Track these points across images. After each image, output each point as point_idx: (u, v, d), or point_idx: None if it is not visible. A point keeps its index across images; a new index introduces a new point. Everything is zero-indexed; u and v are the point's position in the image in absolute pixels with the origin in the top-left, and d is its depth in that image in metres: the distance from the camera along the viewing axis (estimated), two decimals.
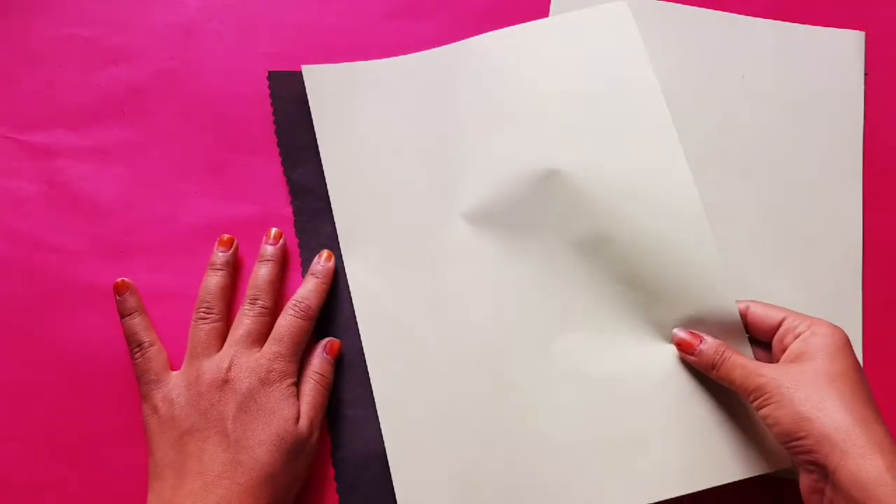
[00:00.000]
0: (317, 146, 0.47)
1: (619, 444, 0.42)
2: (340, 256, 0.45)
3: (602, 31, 0.48)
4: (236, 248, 0.45)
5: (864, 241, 0.48)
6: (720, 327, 0.43)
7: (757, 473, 0.41)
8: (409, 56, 0.49)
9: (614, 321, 0.44)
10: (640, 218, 0.44)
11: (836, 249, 0.48)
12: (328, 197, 0.46)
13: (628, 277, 0.44)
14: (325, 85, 0.48)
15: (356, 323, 0.44)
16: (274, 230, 0.46)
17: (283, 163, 0.47)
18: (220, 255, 0.45)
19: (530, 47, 0.48)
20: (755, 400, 0.37)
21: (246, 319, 0.42)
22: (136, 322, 0.43)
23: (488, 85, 0.48)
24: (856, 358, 0.38)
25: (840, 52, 0.52)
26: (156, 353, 0.42)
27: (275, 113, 0.48)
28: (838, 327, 0.39)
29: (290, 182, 0.47)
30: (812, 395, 0.35)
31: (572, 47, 0.48)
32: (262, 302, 0.43)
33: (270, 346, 0.41)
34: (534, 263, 0.45)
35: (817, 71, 0.51)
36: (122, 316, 0.43)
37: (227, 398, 0.39)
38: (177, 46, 0.49)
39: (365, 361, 0.44)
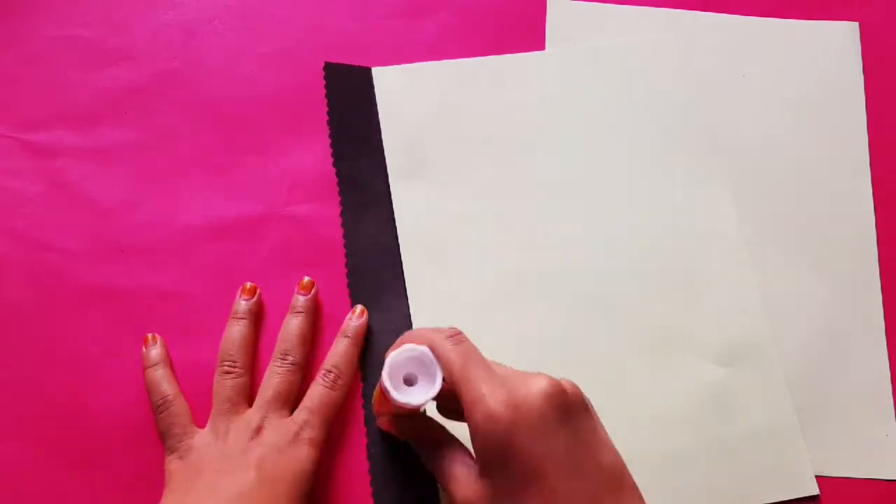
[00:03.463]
0: (368, 139, 0.48)
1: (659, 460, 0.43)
2: (396, 263, 0.46)
3: (651, 62, 0.52)
4: (259, 297, 0.44)
5: (877, 227, 0.49)
6: (758, 359, 0.45)
7: (785, 499, 0.42)
8: (479, 59, 0.50)
9: (656, 343, 0.45)
10: (682, 248, 0.47)
11: (852, 239, 0.49)
12: (375, 191, 0.47)
13: (669, 304, 0.46)
14: (393, 85, 0.49)
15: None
16: (306, 279, 0.45)
17: (334, 154, 0.48)
18: (242, 304, 0.44)
19: (588, 69, 0.51)
20: None
21: (275, 378, 0.41)
22: (160, 374, 0.42)
23: (550, 99, 0.50)
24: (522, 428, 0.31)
25: (836, 44, 0.52)
26: (180, 409, 0.41)
27: (329, 104, 0.49)
28: (485, 415, 0.31)
29: (338, 173, 0.47)
30: None
31: (623, 74, 0.51)
32: (292, 358, 0.42)
33: (301, 414, 0.41)
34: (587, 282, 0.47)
35: (815, 65, 0.52)
36: (146, 367, 0.43)
37: (254, 446, 0.39)
38: (177, 47, 0.49)
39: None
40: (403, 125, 0.49)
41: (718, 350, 0.45)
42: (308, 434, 0.40)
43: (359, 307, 0.45)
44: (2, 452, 0.42)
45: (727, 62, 0.52)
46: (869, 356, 0.47)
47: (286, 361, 0.42)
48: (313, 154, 0.48)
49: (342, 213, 0.47)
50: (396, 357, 0.34)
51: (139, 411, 0.42)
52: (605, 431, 0.33)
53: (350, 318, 0.44)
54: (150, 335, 0.43)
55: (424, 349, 0.34)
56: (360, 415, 0.43)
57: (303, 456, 0.39)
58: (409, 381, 0.34)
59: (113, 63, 0.49)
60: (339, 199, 0.47)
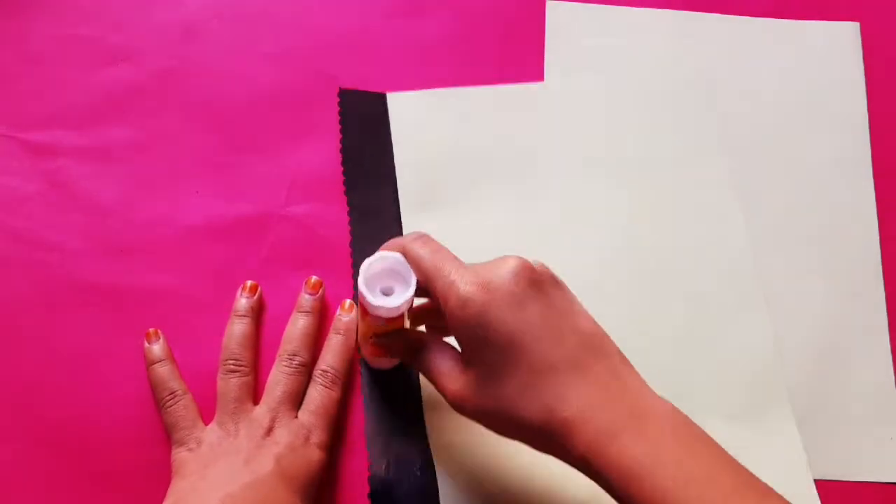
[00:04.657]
0: (381, 170, 0.48)
1: None
2: None
3: (681, 95, 0.51)
4: (260, 294, 0.44)
5: (880, 227, 0.49)
6: (771, 412, 0.44)
7: None
8: (491, 87, 0.50)
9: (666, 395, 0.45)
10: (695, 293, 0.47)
11: (854, 240, 0.49)
12: (385, 221, 0.47)
13: (682, 356, 0.45)
14: (407, 111, 0.49)
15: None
16: (314, 278, 0.44)
17: (345, 182, 0.47)
18: (243, 302, 0.44)
19: (606, 101, 0.51)
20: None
21: (283, 377, 0.41)
22: (166, 370, 0.42)
23: (561, 128, 0.50)
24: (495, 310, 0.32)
25: (837, 44, 0.52)
26: (189, 402, 0.41)
27: (342, 132, 0.48)
28: (458, 300, 0.32)
29: (350, 203, 0.47)
30: (491, 409, 0.33)
31: (637, 98, 0.51)
32: (299, 358, 0.42)
33: (307, 417, 0.41)
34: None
35: (816, 65, 0.52)
36: (151, 363, 0.42)
37: (269, 444, 0.39)
38: (177, 46, 0.49)
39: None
40: (417, 151, 0.48)
41: (731, 404, 0.44)
42: (316, 438, 0.40)
43: (347, 301, 0.44)
44: (2, 452, 0.42)
45: (727, 63, 0.52)
46: (872, 358, 0.47)
47: (294, 362, 0.42)
48: (313, 154, 0.48)
49: (352, 244, 0.46)
50: (370, 266, 0.35)
51: (140, 410, 0.42)
52: (580, 305, 0.34)
53: (340, 314, 0.44)
54: (151, 330, 0.43)
55: (396, 255, 0.36)
56: (359, 415, 0.43)
57: (315, 458, 0.39)
58: (387, 294, 0.36)
59: (113, 63, 0.49)
60: (349, 229, 0.46)
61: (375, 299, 0.35)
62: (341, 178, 0.48)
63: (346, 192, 0.47)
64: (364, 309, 0.36)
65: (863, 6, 0.53)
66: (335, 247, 0.46)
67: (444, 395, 0.35)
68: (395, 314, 0.35)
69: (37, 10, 0.49)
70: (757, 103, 0.51)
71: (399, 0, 0.51)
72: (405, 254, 0.36)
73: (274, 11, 0.51)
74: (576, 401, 0.31)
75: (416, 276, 0.35)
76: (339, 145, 0.48)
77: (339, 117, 0.49)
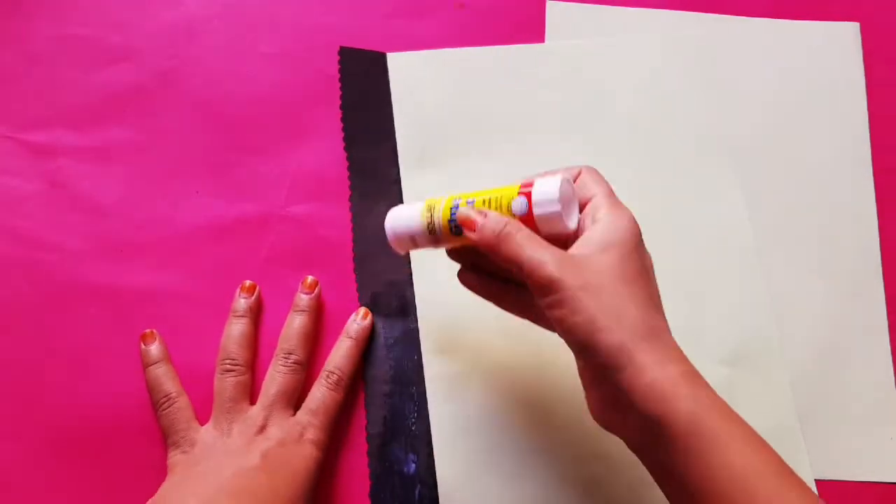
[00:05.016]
0: (380, 127, 0.48)
1: None
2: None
3: (673, 59, 0.51)
4: (258, 294, 0.44)
5: (879, 227, 0.49)
6: (763, 360, 0.45)
7: None
8: (491, 47, 0.51)
9: None
10: (693, 247, 0.47)
11: (854, 240, 0.49)
12: (384, 178, 0.47)
13: (679, 303, 0.45)
14: (408, 71, 0.49)
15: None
16: (310, 278, 0.45)
17: (345, 139, 0.48)
18: (241, 302, 0.44)
19: (601, 64, 0.51)
20: (545, 297, 0.32)
21: (279, 376, 0.41)
22: (162, 372, 0.42)
23: (563, 90, 0.50)
24: (647, 255, 0.36)
25: (836, 44, 0.52)
26: (184, 405, 0.41)
27: (342, 89, 0.49)
28: (634, 220, 0.35)
29: (349, 159, 0.48)
30: (609, 303, 0.31)
31: (636, 70, 0.51)
32: (295, 357, 0.42)
33: (305, 416, 0.41)
34: None
35: (816, 65, 0.52)
36: (147, 365, 0.42)
37: (259, 440, 0.39)
38: (177, 46, 0.49)
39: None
40: (416, 111, 0.49)
41: (724, 350, 0.45)
42: (311, 435, 0.40)
43: (362, 309, 0.44)
44: (2, 452, 0.42)
45: (727, 63, 0.52)
46: (872, 358, 0.47)
47: (289, 360, 0.42)
48: (313, 153, 0.48)
49: (351, 198, 0.47)
50: (564, 186, 0.34)
51: (139, 410, 0.42)
52: None
53: (354, 320, 0.44)
54: (147, 331, 0.43)
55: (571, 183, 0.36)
56: (360, 415, 0.43)
57: (307, 454, 0.39)
58: None
59: (112, 62, 0.49)
60: (349, 183, 0.47)
61: (571, 222, 0.35)
62: (342, 177, 0.48)
63: (346, 149, 0.48)
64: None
65: (863, 6, 0.53)
66: (335, 247, 0.46)
67: (547, 262, 0.32)
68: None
69: (37, 10, 0.49)
70: (757, 103, 0.51)
71: (399, 0, 0.51)
72: (582, 174, 0.37)
73: (274, 11, 0.51)
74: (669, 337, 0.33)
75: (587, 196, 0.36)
76: (339, 102, 0.49)
77: (339, 75, 0.49)
